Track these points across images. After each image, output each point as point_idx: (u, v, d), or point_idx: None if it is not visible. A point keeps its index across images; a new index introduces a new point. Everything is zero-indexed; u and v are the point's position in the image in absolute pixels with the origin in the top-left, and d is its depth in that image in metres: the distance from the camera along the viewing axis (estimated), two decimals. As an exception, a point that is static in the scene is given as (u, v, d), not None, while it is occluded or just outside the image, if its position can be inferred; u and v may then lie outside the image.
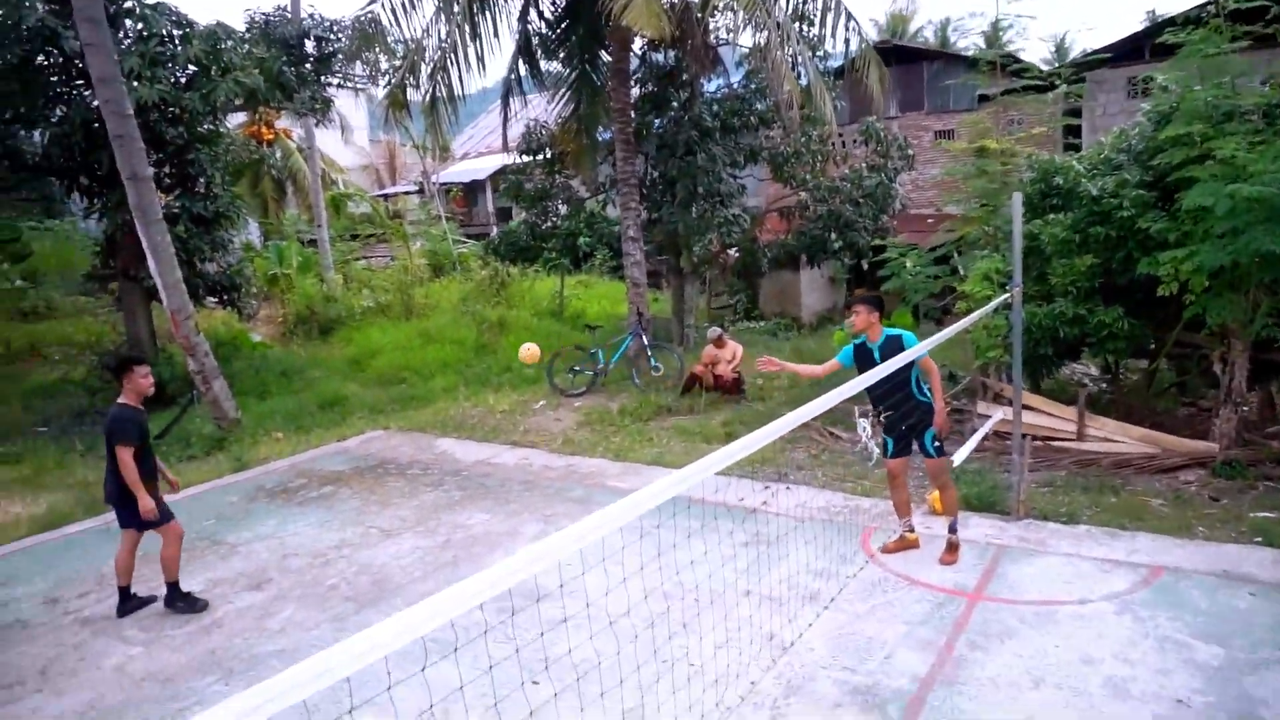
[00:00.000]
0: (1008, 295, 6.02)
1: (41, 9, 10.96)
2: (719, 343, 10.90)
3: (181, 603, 5.58)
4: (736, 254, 15.71)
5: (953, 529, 5.78)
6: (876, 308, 5.75)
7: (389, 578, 5.95)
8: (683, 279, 14.19)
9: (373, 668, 1.67)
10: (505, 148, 14.54)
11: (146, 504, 5.33)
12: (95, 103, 10.51)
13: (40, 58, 11.49)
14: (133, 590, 5.64)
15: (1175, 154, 7.07)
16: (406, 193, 34.60)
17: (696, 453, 8.64)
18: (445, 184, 32.05)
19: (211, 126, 12.88)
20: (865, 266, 14.17)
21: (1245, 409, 8.22)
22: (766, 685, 4.32)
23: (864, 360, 5.70)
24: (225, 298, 14.13)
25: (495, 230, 26.86)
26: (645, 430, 9.56)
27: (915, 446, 5.74)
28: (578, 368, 11.79)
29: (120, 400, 5.52)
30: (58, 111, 12.07)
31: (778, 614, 5.00)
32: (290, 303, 19.15)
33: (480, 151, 34.90)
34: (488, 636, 4.70)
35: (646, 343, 11.61)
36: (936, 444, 5.69)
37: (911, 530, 5.95)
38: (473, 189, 32.93)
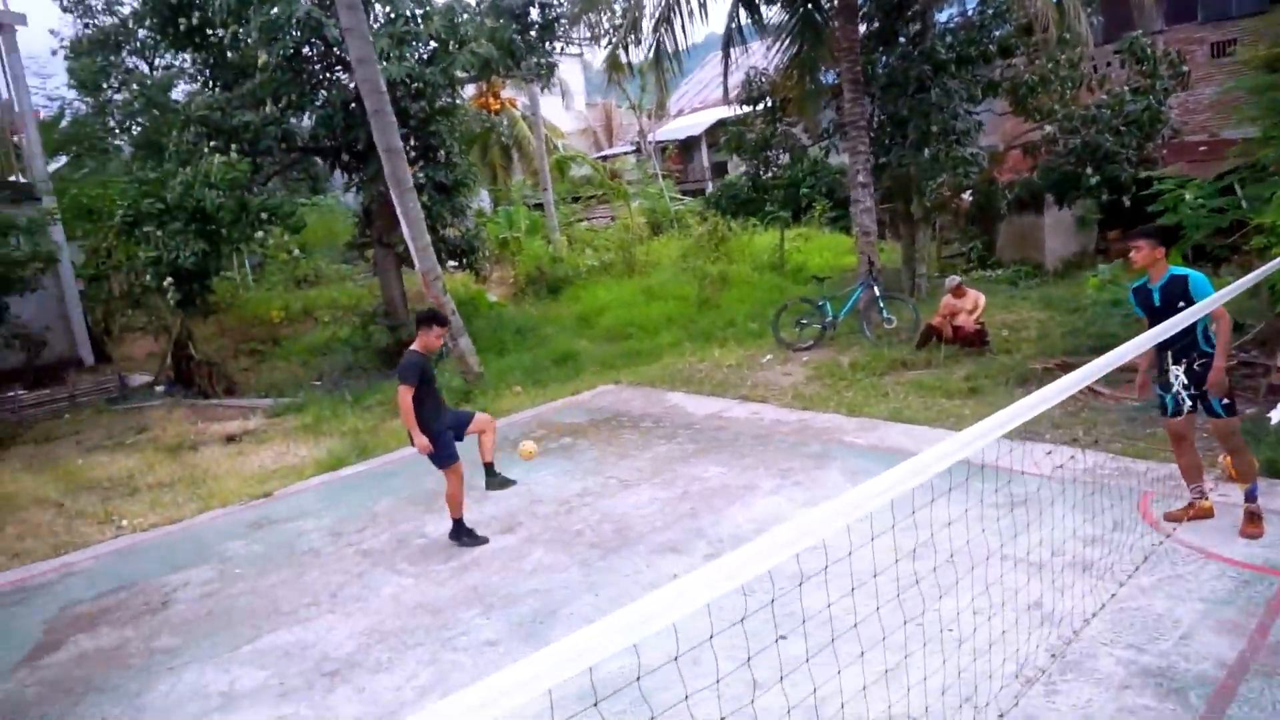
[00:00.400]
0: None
1: (306, 2, 12.05)
2: (958, 292, 10.18)
3: (466, 537, 6.10)
4: (971, 197, 14.61)
5: (1251, 496, 5.02)
6: (1161, 242, 5.06)
7: (630, 526, 6.10)
8: (914, 226, 13.39)
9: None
10: (726, 98, 14.32)
11: (421, 441, 5.81)
12: (353, 84, 11.46)
13: (306, 49, 12.68)
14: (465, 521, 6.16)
15: None
16: (624, 153, 35.30)
17: (937, 408, 8.16)
18: (661, 142, 32.36)
19: (450, 99, 13.67)
20: (1127, 204, 12.64)
21: None
22: (1036, 657, 3.98)
23: (1145, 305, 5.08)
24: (464, 260, 15.10)
25: (710, 185, 26.78)
26: (879, 385, 9.14)
27: (1200, 406, 5.03)
28: (804, 320, 11.49)
29: (411, 348, 6.04)
30: (321, 95, 13.30)
31: (1046, 584, 4.58)
32: (520, 264, 20.20)
33: (695, 107, 34.85)
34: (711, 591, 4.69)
35: (878, 294, 11.07)
36: (1225, 401, 4.95)
37: (1204, 496, 5.25)
38: (687, 146, 33.02)
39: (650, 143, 30.57)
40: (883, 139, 12.90)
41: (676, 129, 33.04)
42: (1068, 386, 2.72)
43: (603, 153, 36.83)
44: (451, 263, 15.17)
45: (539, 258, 20.04)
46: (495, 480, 6.80)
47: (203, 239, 11.57)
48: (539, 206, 24.17)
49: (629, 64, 12.68)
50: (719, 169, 30.48)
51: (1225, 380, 4.94)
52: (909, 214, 13.25)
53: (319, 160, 15.49)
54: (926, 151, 12.18)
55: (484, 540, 6.08)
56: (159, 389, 13.56)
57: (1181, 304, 4.75)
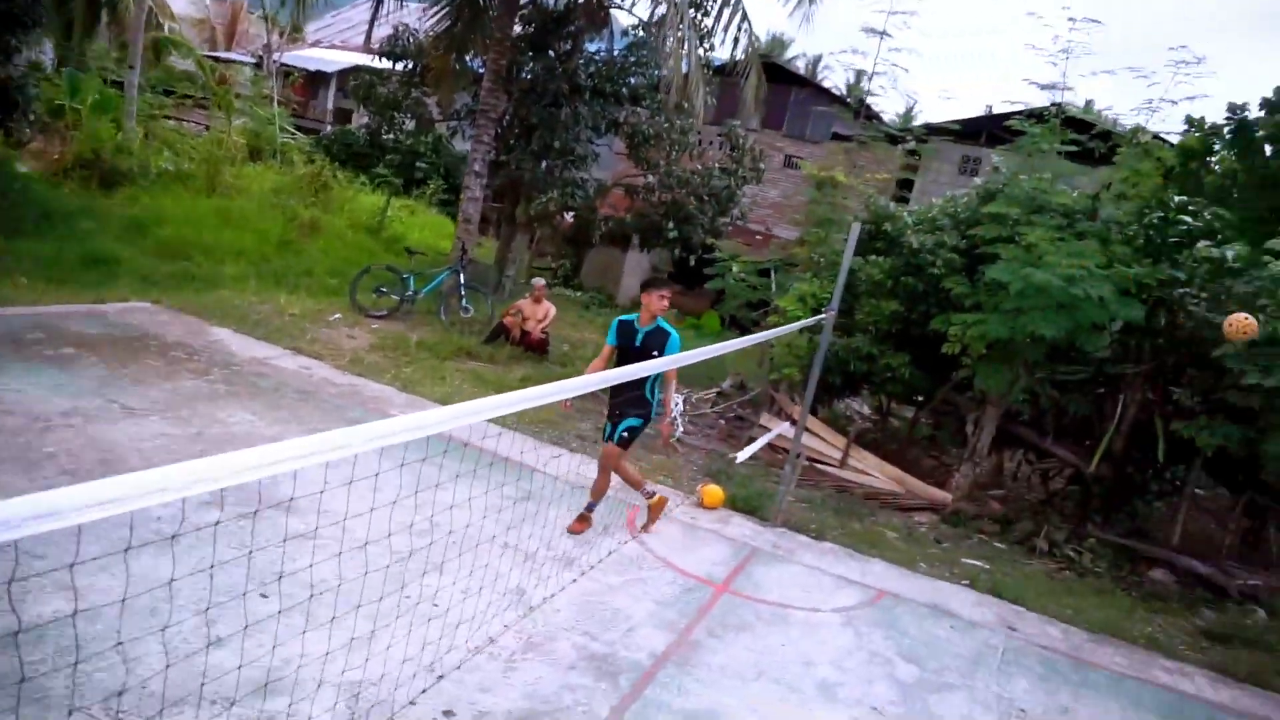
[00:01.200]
0: (822, 317, 6.32)
1: None
2: (537, 298, 10.75)
3: None
4: (573, 219, 15.59)
5: (590, 509, 5.91)
6: (671, 301, 5.84)
7: (120, 459, 5.36)
8: (514, 229, 13.90)
9: (60, 539, 1.42)
10: (368, 46, 13.58)
11: None
12: None
13: None
14: None
15: (990, 229, 7.72)
16: (241, 62, 31.60)
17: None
18: (286, 66, 29.60)
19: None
20: (692, 263, 14.49)
21: (980, 469, 9.17)
22: (507, 640, 4.28)
23: (625, 338, 5.72)
24: (2, 113, 12.23)
25: (330, 129, 25.10)
26: (440, 368, 9.25)
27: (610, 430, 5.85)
28: (384, 289, 11.23)
29: None
30: None
31: (532, 573, 4.97)
32: (76, 141, 16.92)
33: (334, 44, 32.54)
34: (217, 534, 4.37)
35: (463, 281, 11.24)
36: (625, 434, 5.80)
37: (652, 495, 6.11)
38: (315, 80, 30.64)
39: (275, 62, 27.79)
40: (508, 139, 13.24)
41: (308, 58, 30.51)
42: (546, 394, 2.91)
43: (217, 54, 32.64)
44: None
45: (101, 141, 16.95)
46: None
47: None
48: (119, 85, 20.52)
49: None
50: (343, 116, 28.73)
51: (672, 428, 5.93)
52: (513, 217, 13.73)
53: None
54: (544, 163, 12.77)
55: None
56: None
57: (655, 353, 5.49)
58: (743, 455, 6.49)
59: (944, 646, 5.29)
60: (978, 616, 5.92)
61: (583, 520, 5.87)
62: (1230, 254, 6.90)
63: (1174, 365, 7.71)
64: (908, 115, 32.79)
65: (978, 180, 9.12)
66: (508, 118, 13.21)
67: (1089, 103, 11.85)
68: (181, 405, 6.52)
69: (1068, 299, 6.81)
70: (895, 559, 6.66)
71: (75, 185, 15.17)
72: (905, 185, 17.78)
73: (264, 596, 4.13)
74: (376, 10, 12.45)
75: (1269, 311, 6.59)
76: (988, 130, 17.46)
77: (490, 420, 7.83)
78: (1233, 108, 7.22)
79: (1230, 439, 6.86)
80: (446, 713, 3.60)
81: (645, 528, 6.06)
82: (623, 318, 5.83)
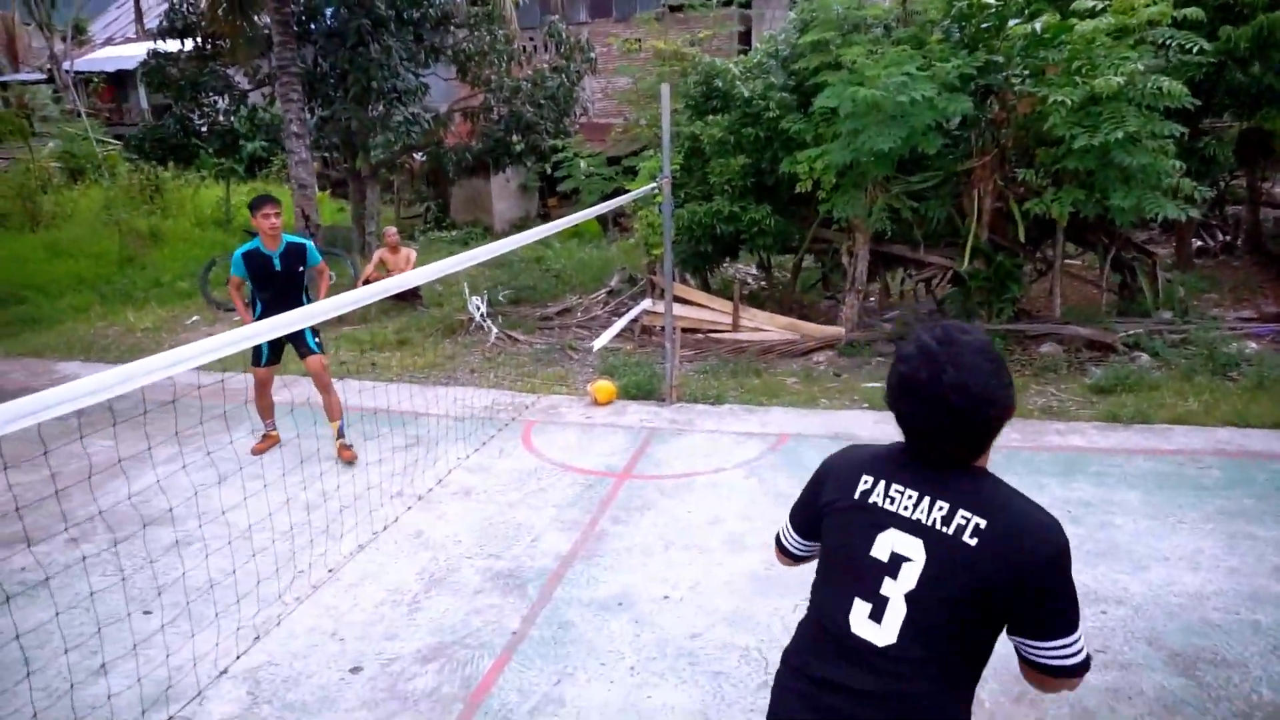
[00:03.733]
0: (653, 185, 6.19)
1: None
2: (393, 246, 10.37)
3: None
4: (423, 159, 14.97)
5: (341, 433, 5.87)
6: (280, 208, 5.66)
7: (-28, 519, 5.02)
8: (363, 184, 13.28)
9: None
10: (141, 29, 12.49)
11: None
12: None
13: None
14: None
15: (812, 59, 7.63)
16: (33, 82, 29.03)
17: (365, 361, 8.23)
18: (83, 73, 27.30)
19: None
20: (549, 171, 14.13)
21: (869, 297, 9.34)
22: (409, 583, 4.21)
23: (259, 266, 5.57)
24: None
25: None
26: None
27: (295, 348, 5.80)
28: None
29: None
30: None
31: (426, 512, 4.89)
32: None
33: (129, 37, 30.06)
34: (67, 573, 4.18)
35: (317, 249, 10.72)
36: (317, 339, 5.81)
37: (274, 430, 6.13)
38: (121, 81, 28.36)
39: (68, 72, 25.58)
40: (325, 91, 12.49)
41: (103, 59, 28.12)
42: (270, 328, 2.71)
43: (2, 78, 29.89)
44: None
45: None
46: None
47: None
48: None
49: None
50: (162, 111, 26.76)
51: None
52: (358, 171, 13.10)
53: None
54: (370, 109, 12.12)
55: None
56: None
57: (301, 268, 5.58)
58: (599, 342, 6.44)
59: (846, 470, 5.42)
60: (879, 433, 6.08)
61: (348, 450, 5.79)
62: (1039, 26, 6.95)
63: (1015, 147, 7.84)
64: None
65: (792, 15, 8.96)
66: (320, 69, 12.43)
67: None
68: (33, 450, 6.08)
69: (897, 109, 6.81)
70: (795, 402, 6.77)
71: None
72: (746, 40, 17.51)
73: (147, 613, 3.97)
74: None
75: (1084, 73, 6.70)
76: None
77: (371, 378, 7.57)
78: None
79: (1079, 203, 7.07)
80: (354, 669, 3.53)
81: (255, 449, 6.03)
82: (244, 248, 5.62)
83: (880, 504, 1.61)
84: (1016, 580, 1.48)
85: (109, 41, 29.94)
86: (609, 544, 4.52)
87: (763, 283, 11.15)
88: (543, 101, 13.08)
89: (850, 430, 6.12)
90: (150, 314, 10.11)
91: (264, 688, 3.45)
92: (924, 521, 1.55)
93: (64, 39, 26.01)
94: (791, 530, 1.93)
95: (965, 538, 1.51)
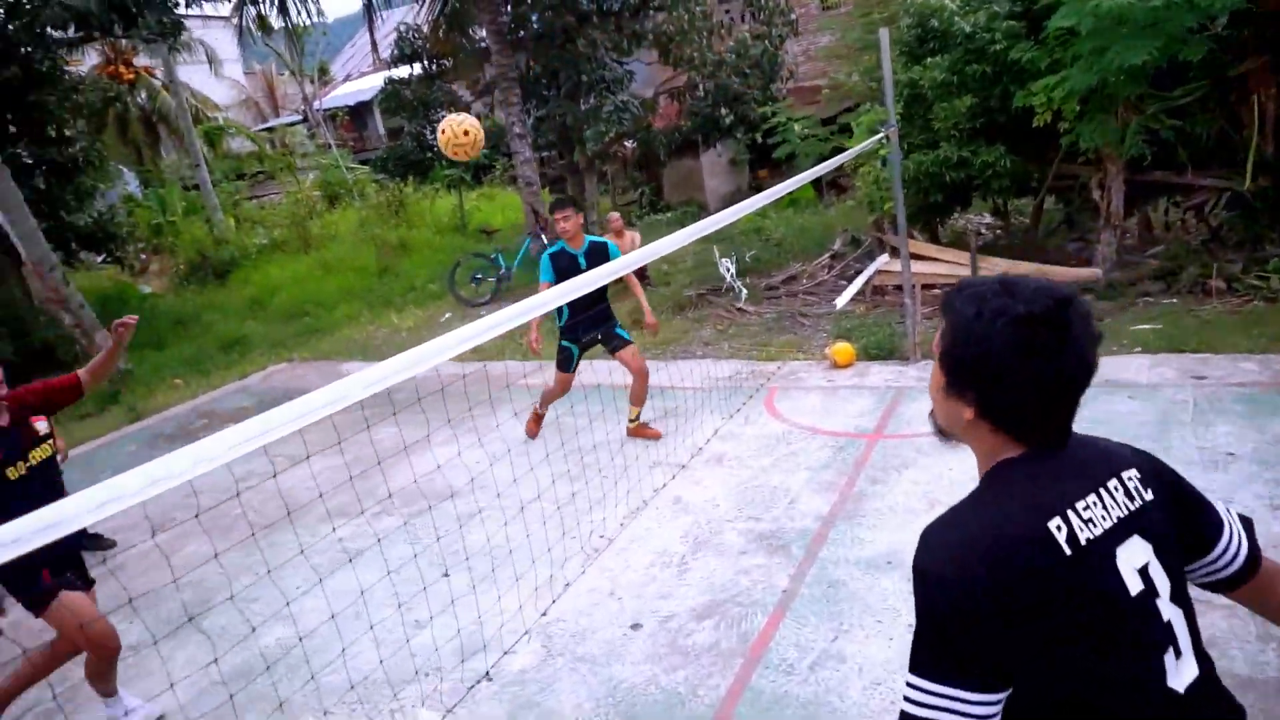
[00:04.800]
0: (879, 136, 5.98)
1: None
2: (617, 230, 10.73)
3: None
4: (634, 145, 15.36)
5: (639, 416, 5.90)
6: (580, 209, 5.66)
7: (297, 500, 5.82)
8: (581, 175, 13.86)
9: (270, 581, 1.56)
10: (376, 59, 13.77)
11: None
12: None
13: None
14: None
15: (1039, -22, 7.03)
16: (291, 124, 32.84)
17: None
18: (330, 109, 30.50)
19: (50, 63, 11.84)
20: (760, 140, 14.01)
21: (1126, 233, 8.49)
22: (674, 546, 4.38)
23: (569, 270, 5.36)
24: (106, 251, 13.34)
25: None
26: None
27: (605, 344, 5.86)
28: (480, 275, 11.52)
29: None
30: None
31: (685, 479, 5.05)
32: (180, 250, 18.24)
33: (363, 71, 33.17)
34: (381, 544, 4.70)
35: (546, 241, 11.37)
36: (620, 334, 5.85)
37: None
38: (360, 112, 31.40)
39: (318, 110, 28.71)
40: (540, 91, 13.15)
41: (345, 95, 31.28)
42: (516, 315, 2.75)
43: (268, 124, 34.04)
44: (89, 253, 13.35)
45: (201, 241, 18.21)
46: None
47: None
48: (197, 188, 21.88)
49: (269, 20, 11.74)
50: (396, 134, 29.34)
51: (657, 320, 5.98)
52: (575, 164, 13.68)
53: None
54: (581, 102, 12.61)
55: (111, 543, 5.59)
56: None
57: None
58: (841, 300, 6.29)
59: (1126, 417, 4.99)
60: (1157, 378, 5.56)
61: (646, 428, 5.91)
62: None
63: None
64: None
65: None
66: (532, 73, 13.10)
67: None
68: (335, 440, 6.97)
69: (1148, 15, 6.11)
70: (1051, 351, 6.30)
71: (195, 287, 16.38)
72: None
73: (446, 576, 4.41)
74: (371, 24, 12.57)
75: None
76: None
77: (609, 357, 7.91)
78: None
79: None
80: (634, 625, 3.74)
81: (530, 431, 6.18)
82: (551, 249, 5.68)
83: (1093, 537, 1.19)
84: (1175, 493, 1.32)
85: (347, 78, 33.19)
86: (869, 504, 4.46)
87: (998, 230, 10.46)
88: (748, 71, 13.00)
89: (1121, 375, 5.62)
90: (410, 316, 11.17)
91: (556, 642, 3.73)
92: (1122, 515, 1.24)
93: (311, 81, 29.13)
94: (970, 696, 1.14)
95: (1146, 494, 1.27)
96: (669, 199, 17.87)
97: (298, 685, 3.68)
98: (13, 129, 11.65)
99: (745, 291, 6.61)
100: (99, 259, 15.29)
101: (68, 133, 12.04)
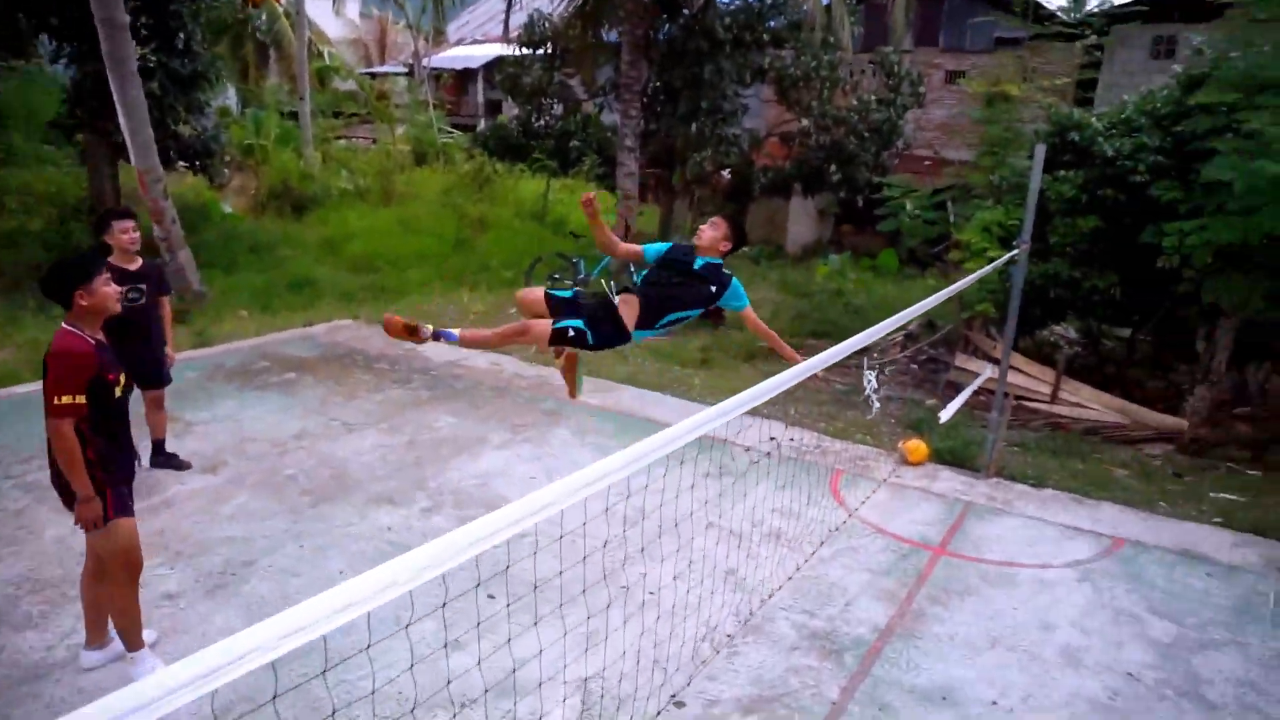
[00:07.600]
0: (1015, 252, 5.83)
1: None
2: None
3: (161, 456, 5.70)
4: (729, 175, 15.30)
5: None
6: (733, 237, 4.94)
7: (348, 473, 5.80)
8: (673, 195, 13.82)
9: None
10: (505, 37, 13.85)
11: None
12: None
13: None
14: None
15: (1200, 121, 6.85)
16: (395, 74, 33.25)
17: (670, 375, 8.52)
18: (436, 69, 30.81)
19: (192, -27, 12.05)
20: (860, 203, 13.86)
21: (1218, 388, 8.24)
22: (725, 623, 4.28)
23: (682, 261, 4.46)
24: (198, 163, 13.52)
25: (483, 123, 25.96)
26: (620, 349, 9.36)
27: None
28: (557, 275, 11.51)
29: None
30: (23, -63, 11.18)
31: (737, 550, 4.94)
32: (265, 175, 18.45)
33: (476, 39, 33.54)
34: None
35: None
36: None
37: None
38: (464, 77, 31.72)
39: (425, 68, 29.00)
40: (655, 106, 13.13)
41: (454, 58, 31.60)
42: (801, 372, 2.83)
43: (372, 69, 34.48)
44: (182, 164, 13.53)
45: (287, 171, 18.40)
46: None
47: None
48: (294, 115, 22.15)
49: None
50: (493, 107, 29.58)
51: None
52: (671, 183, 13.64)
53: (20, 16, 13.05)
54: (694, 125, 12.57)
55: (186, 465, 5.71)
56: None
57: (713, 288, 4.40)
58: (947, 413, 6.12)
59: (1202, 598, 4.80)
60: (1238, 559, 5.33)
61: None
62: None
63: None
64: (1079, 1, 29.77)
65: (1176, 67, 8.07)
66: (652, 85, 13.08)
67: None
68: (392, 415, 6.97)
69: (1311, 188, 5.92)
70: (1129, 500, 6.11)
71: (272, 215, 16.56)
72: (1087, 85, 16.11)
73: (491, 597, 4.33)
74: (510, 2, 12.62)
75: None
76: (1181, 2, 15.46)
77: (674, 393, 7.80)
78: None
79: None
80: (676, 703, 3.64)
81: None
82: (680, 242, 5.28)
83: None
84: None
85: (459, 41, 33.54)
86: (928, 626, 4.32)
87: (1079, 350, 10.22)
88: (866, 134, 12.86)
89: (1201, 548, 5.42)
90: (481, 299, 11.17)
91: (592, 699, 3.64)
92: None
93: (426, 39, 29.44)
94: None
95: None
96: (750, 234, 17.76)
97: (330, 680, 3.61)
98: (144, 34, 11.84)
99: (879, 405, 6.22)
100: (184, 165, 15.49)
101: (195, 46, 12.22)
